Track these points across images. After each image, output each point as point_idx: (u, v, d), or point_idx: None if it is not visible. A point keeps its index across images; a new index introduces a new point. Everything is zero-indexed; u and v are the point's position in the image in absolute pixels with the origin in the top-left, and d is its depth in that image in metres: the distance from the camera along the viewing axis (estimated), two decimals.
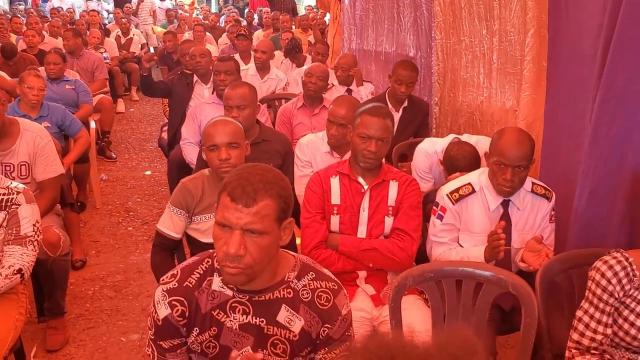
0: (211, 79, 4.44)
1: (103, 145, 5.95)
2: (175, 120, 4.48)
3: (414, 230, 2.40)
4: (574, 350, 1.81)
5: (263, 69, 5.44)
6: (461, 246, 2.42)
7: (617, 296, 1.77)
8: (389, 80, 3.95)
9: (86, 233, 4.19)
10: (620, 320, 1.80)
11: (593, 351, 1.79)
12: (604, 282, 1.77)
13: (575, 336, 1.82)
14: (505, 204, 2.36)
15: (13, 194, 2.30)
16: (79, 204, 4.33)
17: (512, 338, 2.71)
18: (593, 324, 1.79)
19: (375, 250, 2.37)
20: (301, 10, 11.59)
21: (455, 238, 2.43)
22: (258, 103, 3.28)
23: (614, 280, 1.76)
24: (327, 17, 10.65)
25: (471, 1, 3.76)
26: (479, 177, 2.40)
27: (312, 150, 3.16)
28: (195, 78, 4.60)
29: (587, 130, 2.39)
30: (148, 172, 5.70)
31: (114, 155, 6.03)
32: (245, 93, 3.10)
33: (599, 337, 1.78)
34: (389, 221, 2.43)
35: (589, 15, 2.47)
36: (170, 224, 2.42)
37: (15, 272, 2.23)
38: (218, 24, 10.96)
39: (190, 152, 3.83)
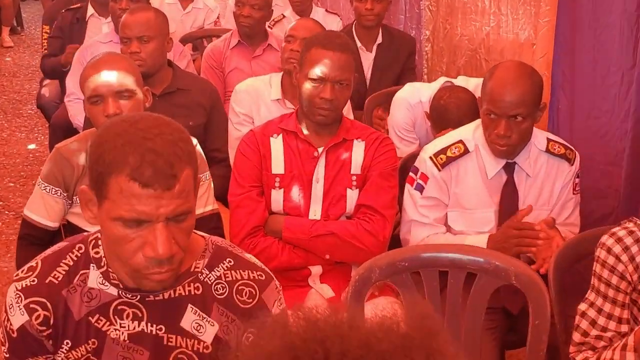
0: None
1: None
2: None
3: (386, 206, 2.44)
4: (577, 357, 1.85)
5: None
6: (450, 229, 2.47)
7: (630, 279, 1.79)
8: (351, 5, 3.99)
9: None
10: (635, 311, 1.84)
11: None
12: (611, 261, 1.79)
13: (577, 337, 1.85)
14: (509, 169, 2.42)
15: None
16: None
17: (524, 353, 2.77)
18: (602, 320, 1.82)
19: (333, 235, 2.41)
20: None
21: (441, 218, 2.48)
22: (172, 38, 3.29)
23: (624, 257, 1.78)
24: None
25: None
26: (473, 133, 2.46)
27: (254, 99, 3.19)
28: (91, 11, 4.59)
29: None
30: (32, 146, 5.69)
31: None
32: (150, 19, 3.12)
33: (609, 334, 1.82)
34: (352, 195, 2.47)
35: None
36: (42, 208, 2.43)
37: None
38: None
39: (78, 111, 3.82)
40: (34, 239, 2.44)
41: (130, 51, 2.97)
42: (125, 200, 1.36)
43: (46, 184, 2.41)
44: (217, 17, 5.52)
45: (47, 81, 4.95)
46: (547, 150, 2.43)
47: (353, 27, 3.99)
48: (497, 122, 2.27)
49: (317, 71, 2.40)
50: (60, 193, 2.41)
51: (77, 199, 2.43)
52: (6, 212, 4.50)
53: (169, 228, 1.38)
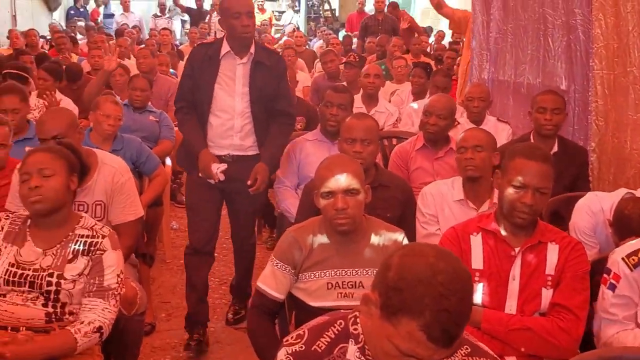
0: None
1: (174, 187, 6.24)
2: None
3: (579, 307, 2.37)
4: None
5: (371, 99, 5.62)
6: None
7: None
8: (530, 116, 3.96)
9: (154, 292, 4.38)
10: None
11: None
12: None
13: None
14: None
15: (98, 237, 2.48)
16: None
17: None
18: None
19: (529, 330, 2.36)
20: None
21: (632, 315, 2.39)
22: None
23: None
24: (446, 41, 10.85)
25: None
26: None
27: (439, 201, 3.21)
28: (226, 48, 3.67)
29: None
30: None
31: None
32: (372, 125, 3.26)
33: None
34: (547, 294, 2.42)
35: None
36: (273, 282, 2.52)
37: (95, 330, 2.38)
38: (308, 47, 11.40)
39: (285, 197, 3.95)
40: (264, 308, 2.53)
41: (355, 150, 3.09)
42: (408, 341, 1.40)
43: (278, 261, 2.52)
44: (396, 120, 5.67)
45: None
46: None
47: (531, 136, 3.96)
48: None
49: (520, 179, 2.41)
50: (289, 270, 2.51)
51: (302, 275, 2.54)
52: (213, 278, 4.55)
53: None
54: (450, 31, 11.37)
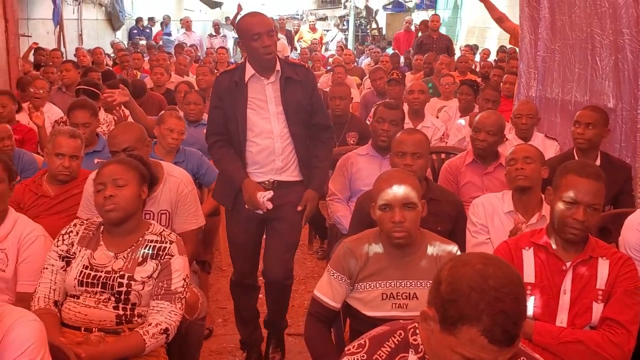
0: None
1: None
2: None
3: (630, 321, 2.34)
4: None
5: (417, 115, 5.62)
6: None
7: None
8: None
9: (211, 298, 4.44)
10: None
11: None
12: None
13: None
14: None
15: (166, 242, 2.55)
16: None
17: None
18: None
19: (581, 343, 2.33)
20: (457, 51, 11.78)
21: None
22: None
23: None
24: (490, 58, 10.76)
25: None
26: None
27: (489, 212, 3.20)
28: (250, 71, 3.35)
29: None
30: None
31: None
32: (422, 139, 3.28)
33: None
34: (597, 308, 2.39)
35: None
36: (329, 291, 2.54)
37: (162, 331, 2.44)
38: (356, 64, 11.45)
39: (337, 209, 3.97)
40: (321, 316, 2.55)
41: (405, 163, 3.12)
42: (471, 347, 1.43)
43: (334, 271, 2.54)
44: (442, 135, 5.66)
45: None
46: None
47: (574, 151, 3.94)
48: None
49: (572, 195, 2.39)
50: (345, 280, 2.53)
51: (358, 285, 2.56)
52: None
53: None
54: (496, 49, 11.33)
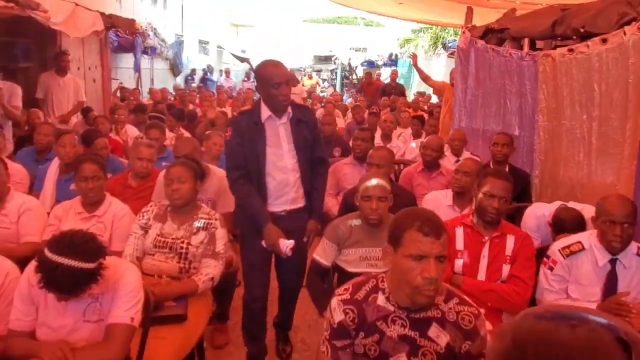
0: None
1: None
2: None
3: (529, 278, 2.37)
4: None
5: (387, 138, 5.63)
6: (569, 297, 2.34)
7: None
8: (490, 151, 3.98)
9: (238, 261, 4.41)
10: None
11: None
12: None
13: None
14: (612, 262, 2.27)
15: (212, 219, 2.57)
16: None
17: None
18: None
19: (494, 292, 2.35)
20: (409, 95, 11.82)
21: (564, 288, 2.36)
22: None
23: None
24: (432, 101, 10.82)
25: (573, 91, 3.72)
26: (588, 237, 2.35)
27: (436, 204, 3.22)
28: (266, 112, 2.75)
29: None
30: None
31: None
32: (385, 155, 3.28)
33: None
34: (506, 268, 2.41)
35: None
36: (323, 254, 2.56)
37: (210, 279, 2.46)
38: (342, 102, 11.49)
39: (329, 202, 3.98)
40: (316, 270, 2.57)
41: (374, 170, 3.12)
42: (413, 245, 1.48)
43: (327, 240, 2.56)
44: (402, 153, 5.68)
45: None
46: (638, 254, 2.28)
47: (490, 163, 3.97)
48: (614, 227, 2.20)
49: (490, 190, 2.42)
50: (334, 247, 2.54)
51: (344, 250, 2.58)
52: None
53: (437, 264, 1.48)
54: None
